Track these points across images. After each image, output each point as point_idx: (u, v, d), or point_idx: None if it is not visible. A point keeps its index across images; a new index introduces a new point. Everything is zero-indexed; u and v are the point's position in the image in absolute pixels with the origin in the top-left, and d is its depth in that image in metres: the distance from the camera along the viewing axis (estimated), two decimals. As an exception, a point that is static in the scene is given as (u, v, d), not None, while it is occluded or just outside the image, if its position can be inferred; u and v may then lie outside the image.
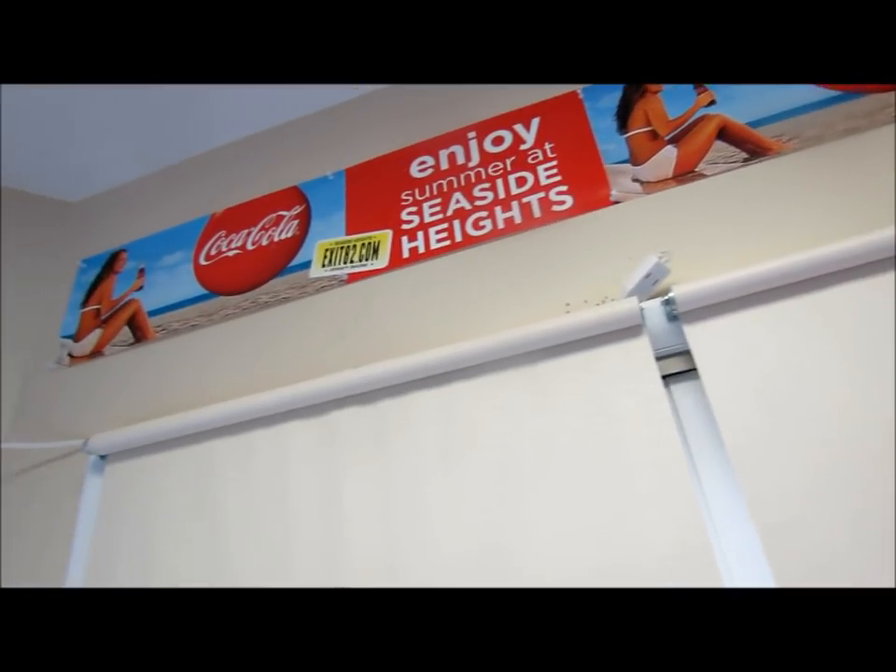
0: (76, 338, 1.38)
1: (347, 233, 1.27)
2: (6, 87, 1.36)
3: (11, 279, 1.47)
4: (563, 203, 1.13)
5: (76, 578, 1.04)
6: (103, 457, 1.15)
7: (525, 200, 1.16)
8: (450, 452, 0.93)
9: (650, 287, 0.92)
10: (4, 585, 1.10)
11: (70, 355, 1.36)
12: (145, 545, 1.02)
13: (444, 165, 1.27)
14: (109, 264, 1.47)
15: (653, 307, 0.92)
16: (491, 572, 0.82)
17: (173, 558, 0.98)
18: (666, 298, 0.90)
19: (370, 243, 1.23)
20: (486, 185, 1.21)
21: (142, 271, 1.42)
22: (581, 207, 1.12)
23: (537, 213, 1.14)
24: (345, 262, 1.23)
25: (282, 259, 1.29)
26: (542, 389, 0.92)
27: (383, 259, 1.20)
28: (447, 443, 0.94)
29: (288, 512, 0.95)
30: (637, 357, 0.89)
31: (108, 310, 1.39)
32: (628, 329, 0.91)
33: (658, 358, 0.91)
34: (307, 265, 1.26)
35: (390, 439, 0.97)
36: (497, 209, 1.17)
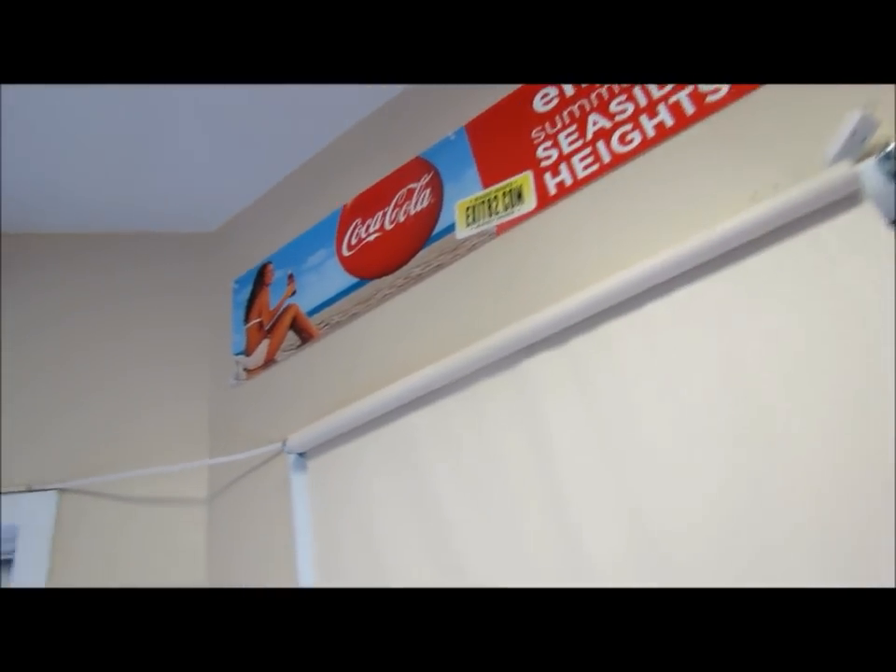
0: (247, 353, 1.43)
1: (484, 187, 1.22)
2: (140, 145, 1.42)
3: (177, 313, 1.54)
4: (717, 90, 1.02)
5: (307, 576, 1.06)
6: (302, 455, 1.17)
7: (672, 100, 1.06)
8: (659, 379, 0.86)
9: (858, 146, 0.80)
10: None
11: (246, 369, 1.41)
12: (362, 526, 1.02)
13: (570, 91, 1.19)
14: (259, 278, 1.51)
15: (869, 168, 0.79)
16: (743, 509, 0.74)
17: (394, 533, 0.98)
18: (884, 153, 0.78)
19: (511, 189, 1.18)
20: (622, 97, 1.11)
21: (291, 276, 1.44)
22: (738, 92, 1.00)
23: (689, 110, 1.04)
24: (491, 215, 1.18)
25: (424, 230, 1.27)
26: (755, 289, 0.82)
27: (529, 203, 1.14)
28: (654, 370, 0.86)
29: (502, 470, 0.92)
30: (864, 227, 0.78)
31: (270, 320, 1.43)
32: (845, 200, 0.80)
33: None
34: (451, 228, 1.23)
35: (590, 377, 0.91)
36: (643, 117, 1.08)
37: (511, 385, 0.96)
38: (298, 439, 1.14)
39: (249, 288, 1.52)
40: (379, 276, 1.29)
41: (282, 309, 1.42)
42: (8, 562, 1.23)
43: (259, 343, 1.42)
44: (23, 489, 1.26)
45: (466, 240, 1.19)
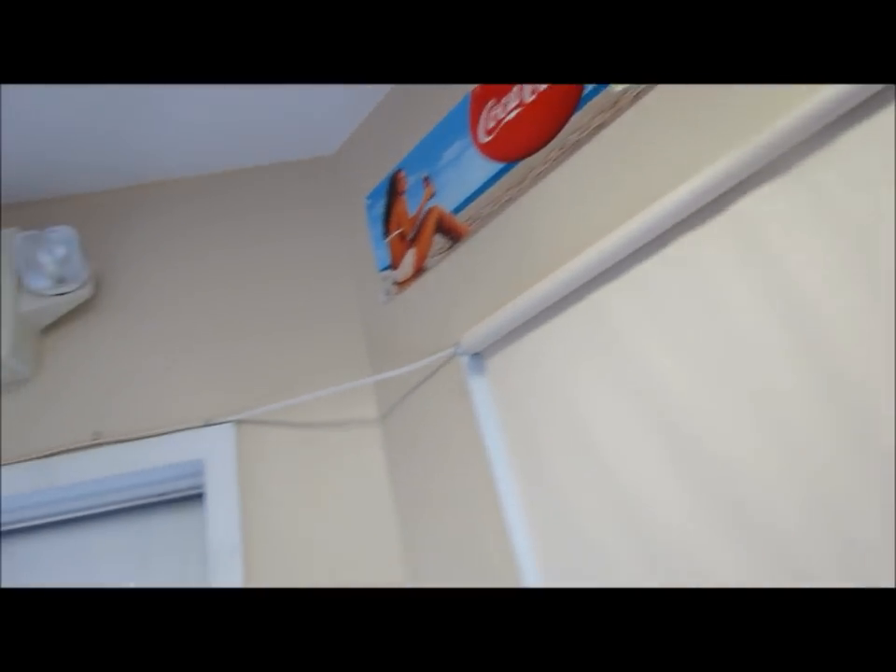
0: (393, 267, 1.36)
1: (641, 27, 1.05)
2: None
3: (315, 240, 1.49)
4: None
5: (504, 476, 0.99)
6: (476, 356, 1.08)
7: None
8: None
9: None
10: (449, 511, 1.10)
11: (395, 283, 1.34)
12: (561, 414, 0.93)
13: None
14: (392, 189, 1.42)
15: None
16: None
17: (601, 412, 0.88)
18: None
19: (676, 21, 1.00)
20: None
21: (426, 179, 1.34)
22: None
23: None
24: (655, 56, 1.01)
25: (572, 91, 1.12)
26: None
27: (703, 30, 0.96)
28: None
29: (718, 327, 0.79)
30: None
31: (412, 228, 1.34)
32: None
33: None
34: (604, 85, 1.07)
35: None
36: None
37: (727, 230, 0.81)
38: (471, 338, 1.06)
39: (383, 201, 1.43)
40: (528, 155, 1.16)
41: (423, 214, 1.33)
42: (199, 496, 1.24)
43: (405, 254, 1.34)
44: (202, 424, 1.26)
45: (627, 90, 1.04)
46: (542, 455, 0.95)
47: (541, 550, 0.92)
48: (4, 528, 1.28)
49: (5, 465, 1.25)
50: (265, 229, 1.51)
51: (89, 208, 1.54)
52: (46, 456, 1.26)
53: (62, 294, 1.35)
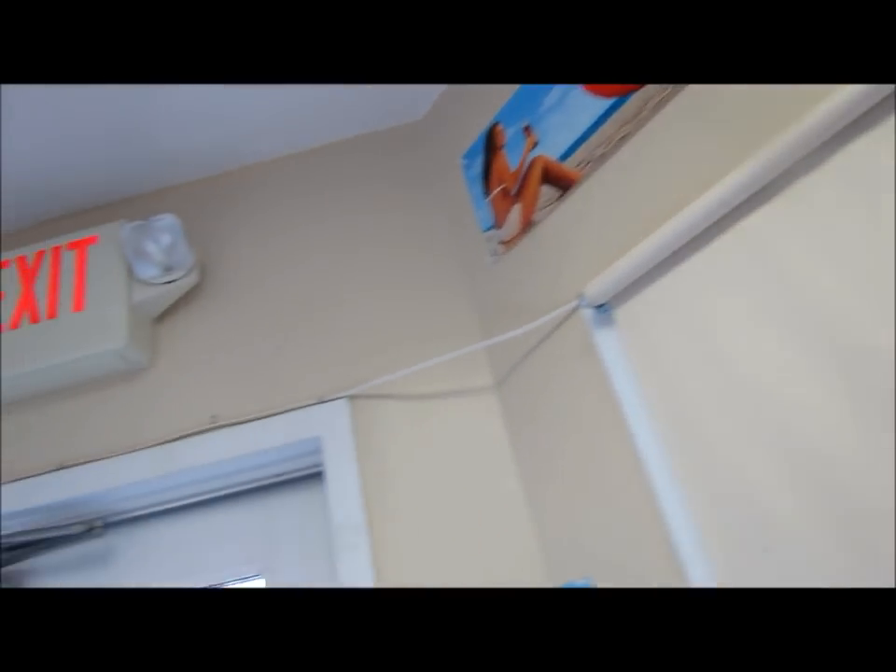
0: (497, 226, 1.28)
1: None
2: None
3: (413, 207, 1.44)
4: None
5: (648, 442, 0.90)
6: (601, 307, 0.99)
7: None
8: None
9: None
10: (581, 479, 1.02)
11: (501, 242, 1.26)
12: (711, 363, 0.82)
13: None
14: (489, 144, 1.34)
15: None
16: None
17: (761, 355, 0.77)
18: None
19: None
20: None
21: (527, 128, 1.25)
22: None
23: None
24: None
25: (691, 9, 1.00)
26: None
27: None
28: None
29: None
30: None
31: (515, 183, 1.26)
32: None
33: None
34: None
35: None
36: None
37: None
38: (597, 288, 0.97)
39: (480, 159, 1.36)
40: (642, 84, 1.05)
41: (526, 166, 1.24)
42: (320, 475, 1.22)
43: (509, 210, 1.26)
44: (316, 401, 1.24)
45: None
46: (689, 410, 0.85)
47: (700, 519, 0.82)
48: (128, 516, 1.31)
49: (127, 453, 1.27)
50: (361, 201, 1.47)
51: (187, 198, 1.55)
52: (166, 442, 1.27)
53: (170, 282, 1.35)
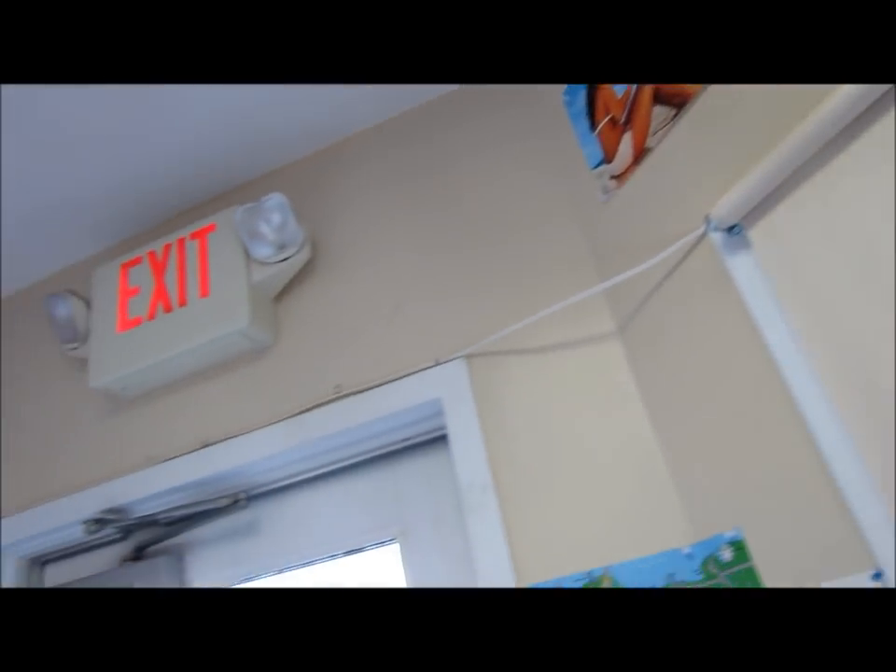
0: (607, 160, 1.18)
1: None
2: None
3: (517, 157, 1.37)
4: None
5: (804, 381, 0.79)
6: (731, 230, 0.88)
7: None
8: None
9: None
10: (723, 425, 0.93)
11: (613, 177, 1.16)
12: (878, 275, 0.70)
13: None
14: (591, 74, 1.24)
15: None
16: None
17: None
18: None
19: None
20: None
21: (631, 48, 1.14)
22: None
23: None
24: None
25: None
26: None
27: None
28: None
29: None
30: None
31: (622, 110, 1.15)
32: None
33: None
34: None
35: None
36: None
37: None
38: (726, 207, 0.86)
39: (583, 92, 1.26)
40: (763, -31, 0.91)
41: (634, 89, 1.13)
42: (444, 437, 1.19)
43: (619, 141, 1.16)
44: (433, 364, 1.21)
45: None
46: (844, 333, 0.73)
47: (868, 457, 0.71)
48: (268, 488, 1.36)
49: (261, 428, 1.31)
50: (463, 154, 1.42)
51: (293, 177, 1.58)
52: (295, 415, 1.30)
53: (284, 260, 1.38)
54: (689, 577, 0.92)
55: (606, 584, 0.96)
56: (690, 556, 0.93)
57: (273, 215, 1.37)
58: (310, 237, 1.43)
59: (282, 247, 1.38)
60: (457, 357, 1.20)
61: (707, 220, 0.89)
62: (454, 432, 1.15)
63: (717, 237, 0.90)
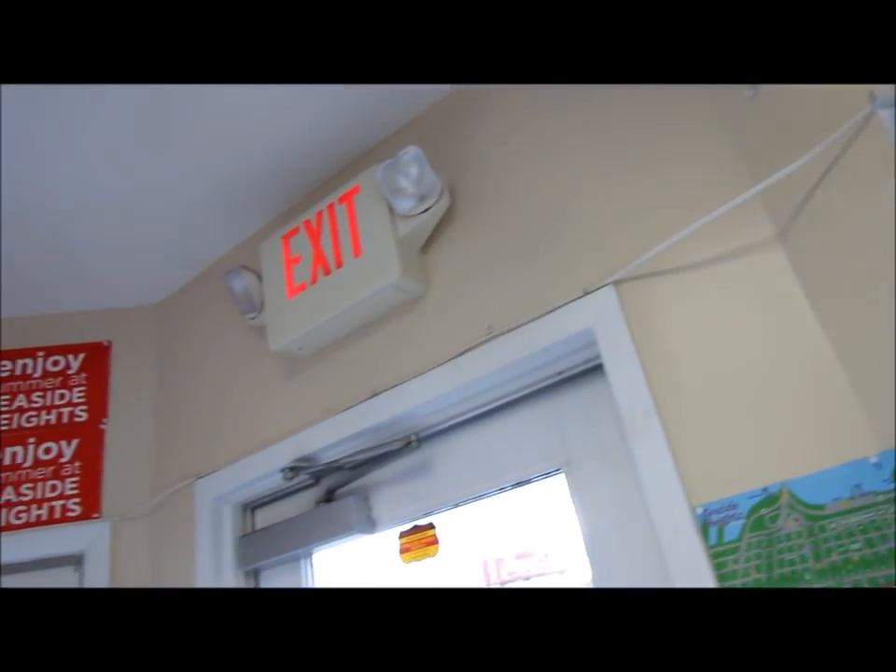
0: (751, 51, 1.08)
1: None
2: None
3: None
4: None
5: None
6: (907, 105, 0.78)
7: None
8: None
9: None
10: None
11: (759, 69, 1.06)
12: None
13: None
14: None
15: None
16: None
17: None
18: None
19: None
20: None
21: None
22: None
23: None
24: None
25: None
26: None
27: None
28: None
29: None
30: None
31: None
32: None
33: None
34: None
35: None
36: None
37: None
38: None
39: (718, -19, 1.15)
40: None
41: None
42: (601, 366, 1.19)
43: (763, 27, 1.05)
44: (581, 294, 1.21)
45: None
46: None
47: None
48: (436, 429, 1.44)
49: (422, 373, 1.38)
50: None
51: (424, 127, 1.61)
52: (452, 358, 1.35)
53: (426, 210, 1.42)
54: (878, 486, 0.85)
55: (784, 500, 0.93)
56: (878, 465, 0.87)
57: (411, 167, 1.41)
58: (447, 184, 1.46)
59: (422, 198, 1.42)
60: (606, 285, 1.18)
61: (872, 97, 0.80)
62: (609, 360, 1.15)
63: (887, 114, 0.80)
